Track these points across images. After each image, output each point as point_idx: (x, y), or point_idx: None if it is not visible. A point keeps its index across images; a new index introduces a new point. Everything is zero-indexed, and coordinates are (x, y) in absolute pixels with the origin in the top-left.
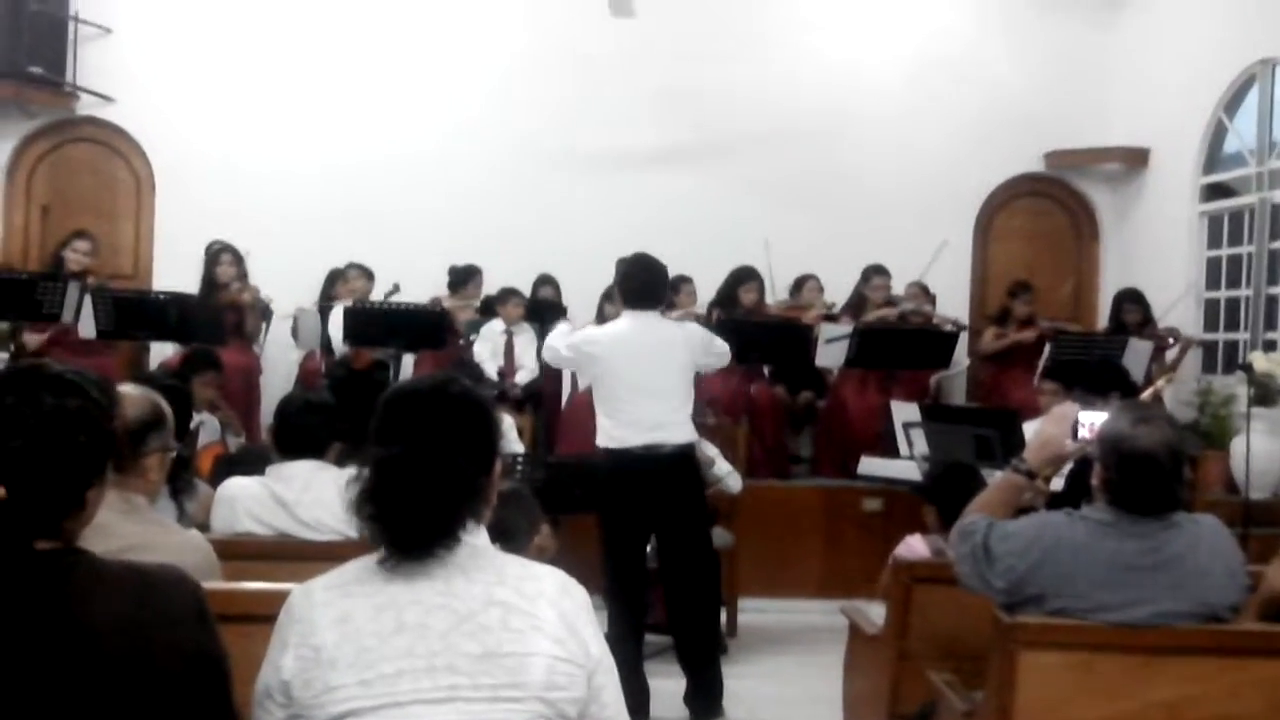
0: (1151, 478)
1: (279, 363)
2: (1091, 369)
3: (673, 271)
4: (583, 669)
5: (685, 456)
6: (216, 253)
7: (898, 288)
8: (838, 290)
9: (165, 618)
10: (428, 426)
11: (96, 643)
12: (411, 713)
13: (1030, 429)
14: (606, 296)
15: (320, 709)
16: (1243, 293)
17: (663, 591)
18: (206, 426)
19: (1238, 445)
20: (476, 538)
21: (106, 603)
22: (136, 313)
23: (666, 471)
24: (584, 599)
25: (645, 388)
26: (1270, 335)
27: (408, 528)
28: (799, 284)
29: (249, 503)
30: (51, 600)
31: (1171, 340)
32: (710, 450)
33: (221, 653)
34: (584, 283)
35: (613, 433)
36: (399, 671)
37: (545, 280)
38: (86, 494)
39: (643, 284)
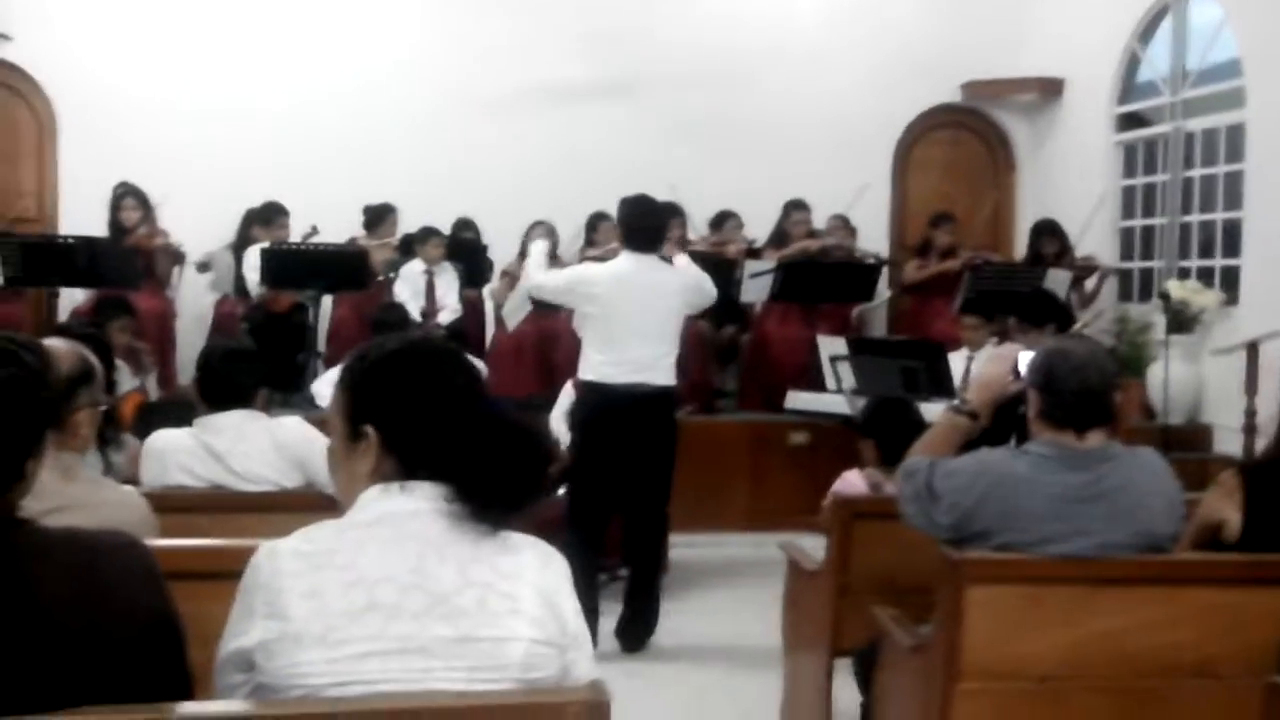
0: (1082, 387)
1: (193, 307)
2: (1027, 300)
3: (590, 211)
4: (559, 648)
5: (666, 396)
6: (120, 196)
7: (819, 222)
8: (759, 228)
9: (116, 584)
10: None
11: (47, 614)
12: (381, 692)
13: (955, 360)
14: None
15: (285, 682)
16: (1157, 221)
17: (621, 526)
18: (121, 374)
19: (1155, 372)
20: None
21: (55, 573)
22: (45, 258)
23: (647, 409)
24: (564, 569)
25: (639, 329)
26: (1185, 263)
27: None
28: (719, 221)
29: (180, 455)
30: None
31: (1091, 269)
32: None
33: (175, 615)
34: (502, 222)
35: (600, 369)
36: (366, 653)
37: (465, 225)
38: (25, 465)
39: (644, 226)
